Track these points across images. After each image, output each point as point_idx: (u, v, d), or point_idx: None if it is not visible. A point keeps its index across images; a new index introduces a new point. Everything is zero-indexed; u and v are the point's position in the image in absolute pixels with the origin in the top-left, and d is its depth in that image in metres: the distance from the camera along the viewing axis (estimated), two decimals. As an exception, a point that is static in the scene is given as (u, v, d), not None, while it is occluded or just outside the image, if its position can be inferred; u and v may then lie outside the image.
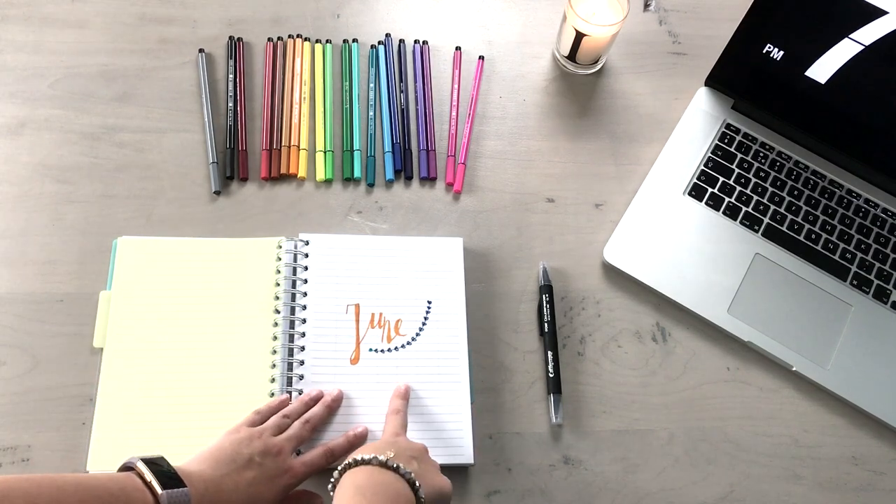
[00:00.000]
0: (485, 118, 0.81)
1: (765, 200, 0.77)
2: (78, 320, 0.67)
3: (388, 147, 0.78)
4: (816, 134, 0.79)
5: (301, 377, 0.65)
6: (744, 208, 0.77)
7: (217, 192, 0.74)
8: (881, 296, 0.74)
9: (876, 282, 0.75)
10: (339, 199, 0.75)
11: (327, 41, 0.82)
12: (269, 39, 0.81)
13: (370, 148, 0.78)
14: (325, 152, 0.77)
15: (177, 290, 0.68)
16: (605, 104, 0.83)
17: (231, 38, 0.81)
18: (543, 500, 0.65)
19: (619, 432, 0.68)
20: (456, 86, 0.82)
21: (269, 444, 0.57)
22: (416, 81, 0.81)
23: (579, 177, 0.79)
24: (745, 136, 0.80)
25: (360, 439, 0.63)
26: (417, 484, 0.51)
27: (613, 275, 0.74)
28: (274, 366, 0.66)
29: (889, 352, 0.72)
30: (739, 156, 0.79)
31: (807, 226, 0.76)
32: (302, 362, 0.66)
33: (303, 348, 0.66)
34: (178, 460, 0.52)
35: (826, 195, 0.78)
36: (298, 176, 0.76)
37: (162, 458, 0.50)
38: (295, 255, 0.70)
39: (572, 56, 0.82)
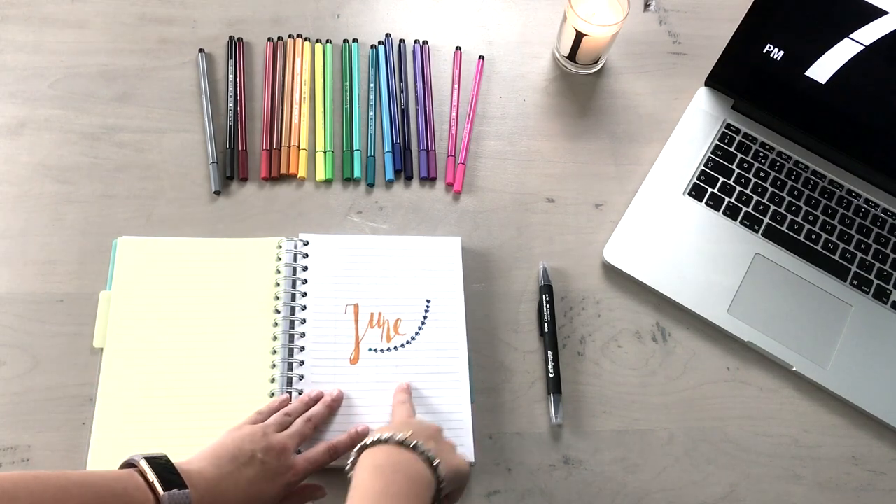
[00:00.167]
0: (485, 118, 0.81)
1: (765, 200, 0.77)
2: (78, 320, 0.67)
3: (388, 147, 0.78)
4: (816, 134, 0.79)
5: (301, 377, 0.65)
6: (744, 208, 0.77)
7: (217, 192, 0.74)
8: (881, 296, 0.74)
9: (876, 282, 0.75)
10: (339, 199, 0.75)
11: (327, 41, 0.82)
12: (269, 39, 0.81)
13: (370, 148, 0.78)
14: (325, 152, 0.77)
15: (177, 290, 0.68)
16: (605, 104, 0.83)
17: (231, 38, 0.81)
18: (543, 500, 0.65)
19: (619, 432, 0.68)
20: (456, 86, 0.82)
21: (273, 442, 0.57)
22: (416, 81, 0.81)
23: (579, 177, 0.79)
24: (745, 136, 0.80)
25: (362, 437, 0.63)
26: (436, 462, 0.51)
27: (613, 275, 0.74)
28: (274, 366, 0.66)
29: (889, 352, 0.72)
30: (739, 156, 0.79)
31: (807, 226, 0.76)
32: (302, 362, 0.66)
33: (303, 348, 0.66)
34: (179, 460, 0.52)
35: (826, 195, 0.78)
36: (298, 176, 0.76)
37: (164, 456, 0.50)
38: (295, 255, 0.70)
39: (572, 56, 0.82)
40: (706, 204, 0.77)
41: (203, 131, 0.76)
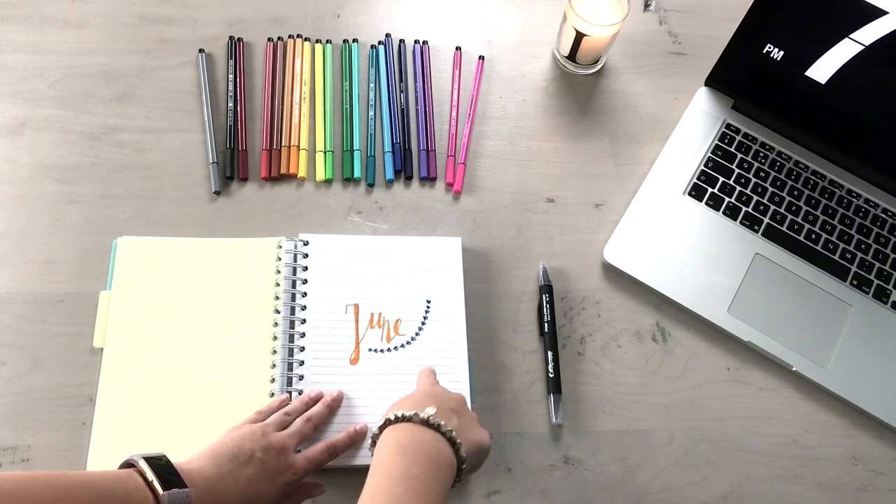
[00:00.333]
0: (485, 118, 0.81)
1: (765, 200, 0.77)
2: (78, 320, 0.67)
3: (388, 147, 0.78)
4: (816, 134, 0.79)
5: (301, 377, 0.65)
6: (744, 208, 0.77)
7: (217, 192, 0.74)
8: (881, 296, 0.74)
9: (876, 282, 0.75)
10: (339, 199, 0.75)
11: (327, 41, 0.82)
12: (269, 39, 0.81)
13: (370, 148, 0.78)
14: (325, 152, 0.77)
15: (177, 290, 0.68)
16: (605, 104, 0.83)
17: (231, 38, 0.81)
18: (543, 500, 0.65)
19: (619, 432, 0.68)
20: (456, 86, 0.82)
21: (273, 441, 0.57)
22: (416, 81, 0.81)
23: (579, 177, 0.79)
24: (745, 136, 0.80)
25: (360, 435, 0.63)
26: (459, 442, 0.51)
27: (613, 275, 0.74)
28: (274, 366, 0.66)
29: (889, 352, 0.72)
30: (739, 156, 0.79)
31: (807, 226, 0.76)
32: (302, 362, 0.66)
33: (303, 348, 0.66)
34: (179, 460, 0.52)
35: (826, 195, 0.78)
36: (298, 176, 0.76)
37: (164, 456, 0.50)
38: (295, 255, 0.70)
39: (572, 56, 0.82)
40: (706, 204, 0.77)
41: (203, 131, 0.76)
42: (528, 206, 0.77)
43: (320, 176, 0.76)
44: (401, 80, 0.81)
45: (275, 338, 0.67)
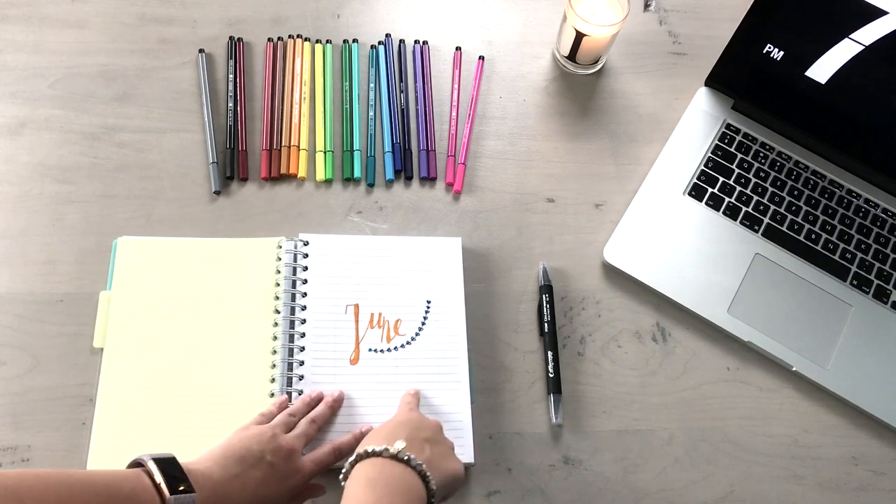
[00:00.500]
0: (485, 118, 0.81)
1: (765, 200, 0.77)
2: (78, 320, 0.67)
3: (388, 147, 0.78)
4: (816, 134, 0.79)
5: (301, 377, 0.65)
6: (744, 208, 0.77)
7: (217, 192, 0.74)
8: (881, 296, 0.74)
9: (876, 282, 0.75)
10: (339, 199, 0.75)
11: (327, 41, 0.82)
12: (269, 39, 0.81)
13: (370, 148, 0.78)
14: (325, 152, 0.77)
15: (177, 290, 0.68)
16: (605, 104, 0.83)
17: (231, 38, 0.81)
18: (543, 500, 0.65)
19: (619, 432, 0.68)
20: (456, 86, 0.82)
21: (282, 443, 0.57)
22: (416, 81, 0.81)
23: (579, 177, 0.79)
24: (745, 136, 0.80)
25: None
26: (428, 475, 0.51)
27: (613, 275, 0.74)
28: (274, 366, 0.66)
29: (889, 352, 0.72)
30: (739, 156, 0.79)
31: (807, 226, 0.76)
32: (302, 362, 0.66)
33: (303, 348, 0.66)
34: (185, 460, 0.51)
35: (826, 195, 0.78)
36: (298, 176, 0.76)
37: (172, 457, 0.50)
38: (295, 255, 0.70)
39: (572, 56, 0.82)
40: (706, 204, 0.77)
41: (203, 131, 0.76)
42: (528, 206, 0.77)
43: (320, 176, 0.76)
44: (401, 80, 0.81)
45: (275, 338, 0.67)
